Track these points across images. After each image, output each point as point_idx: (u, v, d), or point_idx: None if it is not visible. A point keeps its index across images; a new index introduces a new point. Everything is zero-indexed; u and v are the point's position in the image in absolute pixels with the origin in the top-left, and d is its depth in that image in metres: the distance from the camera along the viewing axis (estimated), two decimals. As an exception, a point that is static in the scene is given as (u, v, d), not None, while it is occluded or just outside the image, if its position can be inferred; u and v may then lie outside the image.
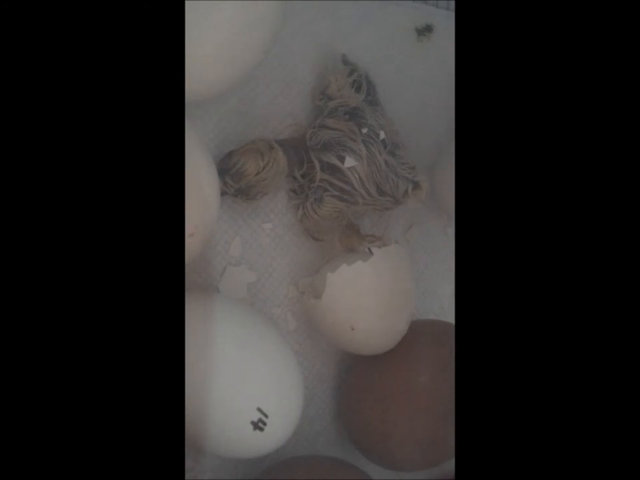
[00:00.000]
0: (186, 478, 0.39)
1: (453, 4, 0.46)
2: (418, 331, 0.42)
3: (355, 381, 0.43)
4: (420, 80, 0.45)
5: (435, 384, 0.40)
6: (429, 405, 0.40)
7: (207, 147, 0.40)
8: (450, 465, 0.44)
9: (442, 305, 0.46)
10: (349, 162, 0.40)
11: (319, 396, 0.44)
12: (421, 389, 0.40)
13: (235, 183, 0.39)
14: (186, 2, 0.30)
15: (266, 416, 0.35)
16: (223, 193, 0.39)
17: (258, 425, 0.35)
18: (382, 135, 0.40)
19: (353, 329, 0.40)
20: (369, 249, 0.41)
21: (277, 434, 0.36)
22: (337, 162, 0.40)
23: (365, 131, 0.40)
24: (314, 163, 0.40)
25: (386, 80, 0.44)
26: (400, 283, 0.41)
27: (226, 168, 0.39)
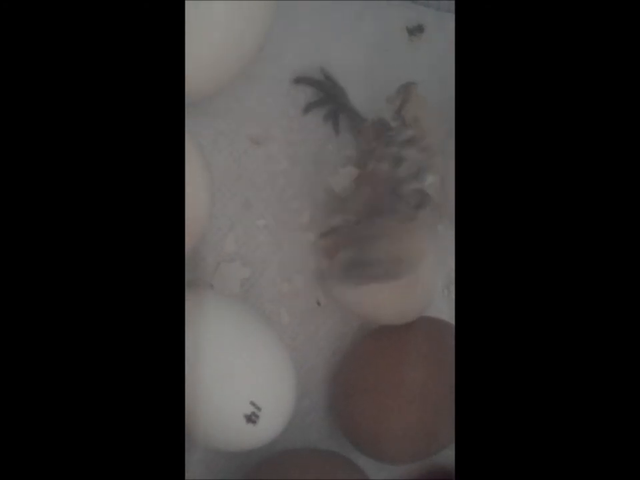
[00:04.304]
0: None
1: (442, 3, 0.46)
2: (410, 325, 0.43)
3: (347, 374, 0.43)
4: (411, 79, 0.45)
5: (428, 379, 0.41)
6: (421, 400, 0.41)
7: (198, 142, 0.40)
8: (440, 458, 0.44)
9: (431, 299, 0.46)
10: (430, 179, 0.39)
11: (312, 389, 0.44)
12: (413, 384, 0.41)
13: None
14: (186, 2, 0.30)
15: (259, 409, 0.36)
16: (369, 282, 0.38)
17: (251, 418, 0.36)
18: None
19: None
20: None
21: (270, 427, 0.37)
22: (421, 186, 0.39)
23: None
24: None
25: (377, 78, 0.44)
26: None
27: (374, 257, 0.38)
